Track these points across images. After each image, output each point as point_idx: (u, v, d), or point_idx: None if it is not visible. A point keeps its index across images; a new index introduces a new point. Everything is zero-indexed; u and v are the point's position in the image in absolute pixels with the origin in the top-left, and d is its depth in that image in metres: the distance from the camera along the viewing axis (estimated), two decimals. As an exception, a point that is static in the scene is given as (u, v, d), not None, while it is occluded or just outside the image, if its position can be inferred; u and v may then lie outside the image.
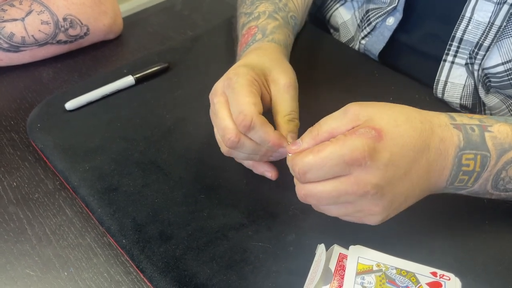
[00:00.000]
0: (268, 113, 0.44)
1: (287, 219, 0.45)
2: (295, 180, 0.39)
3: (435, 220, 0.45)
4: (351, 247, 0.40)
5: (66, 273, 0.43)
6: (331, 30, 0.72)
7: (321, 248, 0.41)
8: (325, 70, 0.63)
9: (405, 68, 0.63)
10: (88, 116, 0.55)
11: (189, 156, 0.51)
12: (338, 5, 0.69)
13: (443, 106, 0.59)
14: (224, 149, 0.44)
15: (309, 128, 0.39)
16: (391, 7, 0.60)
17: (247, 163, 0.47)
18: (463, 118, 0.40)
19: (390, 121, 0.37)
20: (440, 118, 0.39)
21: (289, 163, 0.39)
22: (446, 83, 0.58)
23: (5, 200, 0.49)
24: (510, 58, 0.53)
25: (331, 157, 0.35)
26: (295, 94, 0.44)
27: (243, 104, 0.40)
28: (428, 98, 0.59)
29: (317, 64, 0.64)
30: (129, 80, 0.58)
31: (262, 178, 0.48)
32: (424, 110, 0.40)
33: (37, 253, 0.45)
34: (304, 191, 0.38)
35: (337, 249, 0.41)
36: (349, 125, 0.37)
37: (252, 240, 0.43)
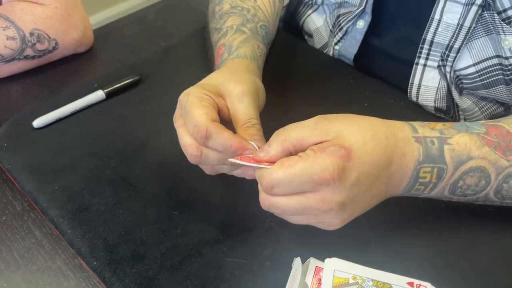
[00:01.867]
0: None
1: (263, 232, 0.44)
2: (259, 187, 0.39)
3: (410, 227, 0.45)
4: (327, 260, 0.39)
5: (35, 299, 0.42)
6: (306, 37, 0.72)
7: (297, 262, 0.40)
8: (300, 77, 0.62)
9: (379, 73, 0.63)
10: (57, 133, 0.54)
11: (162, 171, 0.49)
12: (310, 11, 0.68)
13: (418, 110, 0.59)
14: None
15: (276, 132, 0.39)
16: (359, 9, 0.59)
17: (236, 173, 0.46)
18: (424, 130, 0.40)
19: (358, 139, 0.37)
20: (403, 131, 0.40)
21: (256, 174, 0.39)
22: (420, 86, 0.58)
23: (-28, 224, 0.47)
24: (481, 59, 0.53)
25: (300, 174, 0.36)
26: (251, 101, 0.44)
27: (195, 117, 0.40)
28: (403, 102, 0.59)
29: (292, 71, 0.64)
30: (99, 94, 0.57)
31: (238, 191, 0.47)
32: (389, 120, 0.41)
33: (5, 279, 0.43)
34: (269, 202, 0.38)
35: (313, 262, 0.40)
36: (317, 138, 0.37)
37: (227, 256, 0.42)
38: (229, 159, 0.40)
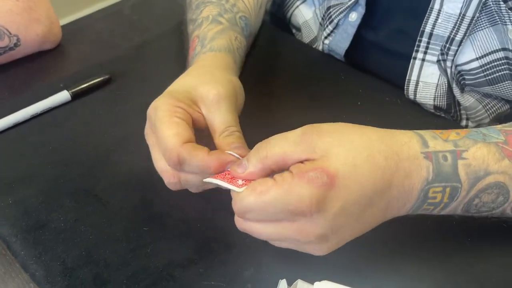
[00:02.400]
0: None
1: (244, 250, 0.39)
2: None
3: (409, 244, 0.40)
4: (317, 284, 0.34)
5: (-18, 332, 0.36)
6: (293, 31, 0.67)
7: (283, 284, 0.35)
8: (286, 74, 0.57)
9: (373, 68, 0.58)
10: (14, 140, 0.48)
11: (131, 182, 0.44)
12: (298, 2, 0.63)
13: (416, 108, 0.54)
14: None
15: (257, 145, 0.34)
16: (352, 1, 0.54)
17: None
18: (437, 143, 0.35)
19: (347, 161, 0.32)
20: (410, 147, 0.34)
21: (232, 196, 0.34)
22: (418, 83, 0.53)
23: None
24: (485, 53, 0.48)
25: (274, 203, 0.31)
26: (228, 106, 0.39)
27: (165, 140, 0.35)
28: (399, 101, 0.54)
29: (278, 67, 0.59)
30: (63, 95, 0.51)
31: (216, 204, 0.42)
32: (393, 132, 0.35)
33: None
34: (243, 226, 0.34)
35: (301, 285, 0.35)
36: (303, 155, 0.32)
37: (203, 279, 0.37)
38: (204, 180, 0.35)
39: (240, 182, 0.34)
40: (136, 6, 0.71)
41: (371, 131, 0.35)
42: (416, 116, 0.52)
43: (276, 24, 0.68)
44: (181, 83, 0.40)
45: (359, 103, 0.53)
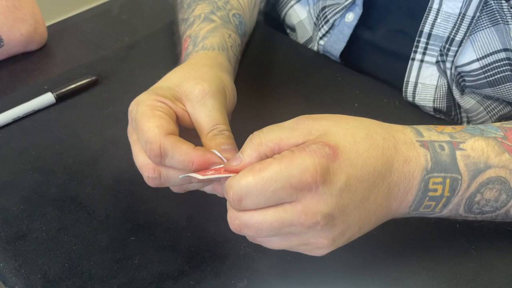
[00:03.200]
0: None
1: (238, 260, 0.37)
2: (228, 205, 0.32)
3: (413, 252, 0.38)
4: (315, 297, 0.32)
5: None
6: (288, 31, 0.65)
7: (279, 298, 0.33)
8: (282, 75, 0.56)
9: (370, 69, 0.57)
10: (-5, 144, 0.46)
11: (118, 188, 0.42)
12: (293, 2, 0.62)
13: (414, 110, 0.52)
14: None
15: (250, 135, 0.32)
16: (348, 1, 0.53)
17: (207, 190, 0.38)
18: (431, 134, 0.33)
19: (347, 137, 0.30)
20: (405, 134, 0.33)
21: (224, 186, 0.31)
22: (417, 85, 0.51)
23: None
24: (486, 54, 0.47)
25: (275, 179, 0.28)
26: (216, 103, 0.37)
27: (145, 132, 0.33)
28: (398, 103, 0.52)
29: (272, 68, 0.57)
30: (47, 98, 0.49)
31: (208, 211, 0.40)
32: (386, 123, 0.34)
33: None
34: (239, 221, 0.31)
35: (297, 299, 0.33)
36: (299, 139, 0.31)
37: (194, 292, 0.35)
38: (189, 174, 0.33)
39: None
40: (125, 6, 0.69)
41: (367, 118, 0.34)
42: (415, 119, 0.51)
43: (270, 24, 0.66)
44: (166, 80, 0.39)
45: (356, 104, 0.51)
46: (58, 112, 0.50)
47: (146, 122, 0.33)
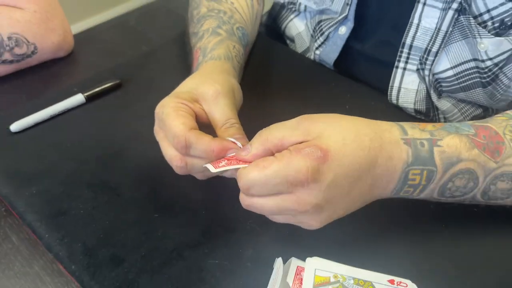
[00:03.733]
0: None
1: (245, 234, 0.44)
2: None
3: (393, 228, 0.45)
4: (308, 259, 0.39)
5: (12, 305, 0.41)
6: (287, 41, 0.73)
7: (278, 262, 0.40)
8: (282, 81, 0.63)
9: (360, 76, 0.64)
10: (35, 138, 0.53)
11: (142, 175, 0.49)
12: (292, 16, 0.69)
13: (398, 112, 0.60)
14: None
15: (259, 132, 0.39)
16: (342, 16, 0.60)
17: (227, 174, 0.45)
18: (415, 132, 0.40)
19: (338, 140, 0.37)
20: (391, 133, 0.39)
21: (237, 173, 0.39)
22: (400, 89, 0.58)
23: None
24: (458, 63, 0.54)
25: (275, 175, 0.36)
26: (227, 102, 0.44)
27: (173, 128, 0.40)
28: (384, 105, 0.60)
29: (274, 75, 0.64)
30: (79, 98, 0.56)
31: (219, 194, 0.47)
32: (377, 121, 0.40)
33: (-20, 286, 0.42)
34: (247, 202, 0.38)
35: (294, 262, 0.40)
36: (299, 138, 0.37)
37: (208, 258, 0.42)
38: (205, 165, 0.40)
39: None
40: (141, 18, 0.77)
41: (358, 118, 0.40)
42: (398, 119, 0.57)
43: (271, 35, 0.74)
44: (184, 85, 0.46)
45: (347, 106, 0.58)
46: (88, 110, 0.57)
47: (172, 120, 0.40)
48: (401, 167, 0.38)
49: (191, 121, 0.41)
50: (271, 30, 0.74)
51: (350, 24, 0.60)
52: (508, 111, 0.45)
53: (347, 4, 0.59)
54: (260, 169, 0.36)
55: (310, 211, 0.37)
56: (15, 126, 0.53)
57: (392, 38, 0.59)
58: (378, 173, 0.38)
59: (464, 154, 0.39)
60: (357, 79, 0.63)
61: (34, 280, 0.42)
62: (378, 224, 0.45)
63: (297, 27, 0.69)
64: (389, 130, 0.39)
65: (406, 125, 0.40)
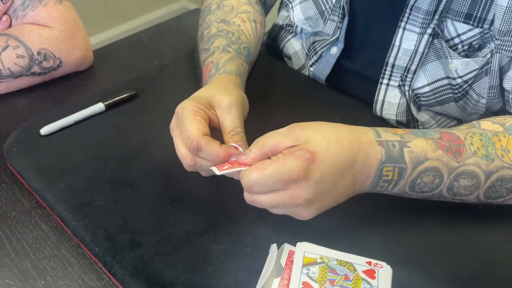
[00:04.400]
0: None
1: (245, 224, 0.51)
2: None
3: (372, 219, 0.52)
4: (298, 244, 0.46)
5: (43, 282, 0.47)
6: (285, 59, 0.80)
7: (273, 247, 0.47)
8: (279, 94, 0.70)
9: (349, 90, 0.71)
10: (62, 140, 0.60)
11: (156, 173, 0.56)
12: (289, 36, 0.77)
13: (382, 123, 0.67)
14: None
15: (256, 139, 0.46)
16: (333, 38, 0.68)
17: (231, 175, 0.51)
18: (387, 135, 0.46)
19: (323, 143, 0.43)
20: (367, 136, 0.46)
21: (240, 175, 0.46)
22: (383, 103, 0.66)
23: (-16, 219, 0.53)
24: (434, 80, 0.62)
25: (272, 175, 0.43)
26: (237, 112, 0.51)
27: (189, 131, 0.47)
28: (369, 116, 0.67)
29: (272, 88, 0.71)
30: (99, 106, 0.63)
31: (222, 190, 0.54)
32: (356, 126, 0.47)
33: (15, 265, 0.49)
34: (250, 198, 0.46)
35: (287, 247, 0.47)
36: (290, 143, 0.44)
37: (213, 244, 0.49)
38: (211, 168, 0.47)
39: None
40: (153, 36, 0.85)
41: (340, 125, 0.46)
42: None
43: (271, 53, 0.81)
44: (203, 92, 0.52)
45: (337, 117, 0.65)
46: (107, 118, 0.64)
47: (190, 124, 0.47)
48: (376, 164, 0.45)
49: (205, 127, 0.48)
50: (270, 49, 0.82)
51: (341, 45, 0.68)
52: (473, 121, 0.51)
53: (338, 27, 0.67)
54: (260, 171, 0.43)
55: (302, 204, 0.44)
56: (44, 130, 0.60)
57: (377, 58, 0.66)
58: (358, 170, 0.45)
59: (430, 154, 0.45)
60: (346, 93, 0.70)
61: (61, 261, 0.49)
62: (360, 216, 0.51)
63: (293, 46, 0.76)
64: (365, 134, 0.46)
65: (380, 129, 0.47)
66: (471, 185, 0.47)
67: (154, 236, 0.49)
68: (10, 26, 0.70)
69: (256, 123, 0.58)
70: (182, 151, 0.48)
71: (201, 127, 0.47)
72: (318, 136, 0.44)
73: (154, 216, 0.51)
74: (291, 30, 0.76)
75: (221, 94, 0.51)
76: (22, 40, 0.66)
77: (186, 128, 0.47)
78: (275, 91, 0.71)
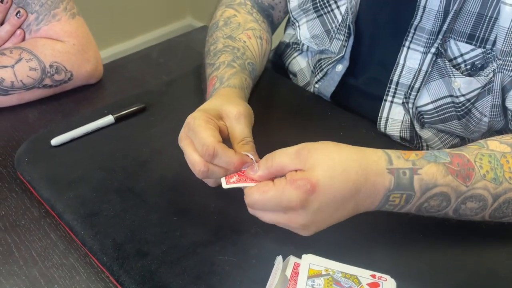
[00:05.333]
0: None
1: (250, 236, 0.51)
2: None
3: (377, 232, 0.52)
4: (304, 256, 0.46)
5: (51, 290, 0.48)
6: (291, 76, 0.82)
7: (279, 259, 0.47)
8: (285, 110, 0.71)
9: (354, 107, 0.72)
10: (71, 151, 0.61)
11: (163, 184, 0.57)
12: (295, 54, 0.79)
13: (385, 139, 0.68)
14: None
15: (266, 156, 0.47)
16: (339, 56, 0.69)
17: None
18: (399, 162, 0.45)
19: (327, 173, 0.43)
20: (378, 164, 0.45)
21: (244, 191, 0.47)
22: (388, 119, 0.67)
23: (-6, 227, 0.54)
24: (437, 98, 0.63)
25: (271, 200, 0.44)
26: (246, 122, 0.52)
27: (204, 138, 0.48)
28: (373, 133, 0.68)
29: (278, 104, 0.73)
30: (109, 119, 0.65)
31: (228, 202, 0.55)
32: (367, 152, 0.46)
33: (24, 273, 0.49)
34: (252, 212, 0.47)
35: (292, 259, 0.47)
36: (297, 166, 0.45)
37: (219, 255, 0.49)
38: (224, 187, 0.48)
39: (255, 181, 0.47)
40: (162, 52, 0.87)
41: (348, 150, 0.45)
42: (385, 145, 0.65)
43: (276, 70, 0.83)
44: (210, 104, 0.54)
45: (341, 133, 0.67)
46: (116, 130, 0.65)
47: (204, 131, 0.48)
48: (383, 192, 0.45)
49: (218, 135, 0.49)
50: (276, 66, 0.84)
51: (346, 63, 0.70)
52: (480, 141, 0.52)
53: (344, 46, 0.69)
54: (261, 193, 0.45)
55: (299, 228, 0.46)
56: (55, 141, 0.61)
57: (381, 76, 0.67)
58: (361, 197, 0.45)
59: (439, 180, 0.46)
60: (351, 110, 0.72)
61: (69, 270, 0.50)
62: (365, 229, 0.52)
63: (299, 63, 0.78)
64: (376, 162, 0.45)
65: (393, 154, 0.46)
66: (478, 207, 0.48)
67: (161, 246, 0.50)
68: (23, 39, 0.72)
69: (262, 138, 0.59)
70: (195, 157, 0.49)
71: (215, 134, 0.48)
72: (324, 165, 0.44)
73: (161, 227, 0.52)
74: (297, 48, 0.77)
75: (229, 104, 0.52)
76: (35, 53, 0.68)
77: (201, 136, 0.48)
78: (280, 107, 0.72)
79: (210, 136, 0.48)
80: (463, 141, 0.69)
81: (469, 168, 0.47)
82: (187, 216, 0.53)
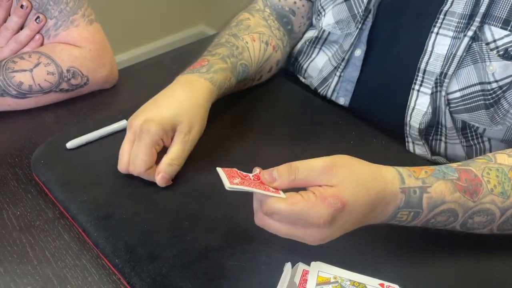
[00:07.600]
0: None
1: (260, 243, 0.52)
2: (255, 207, 0.48)
3: (386, 241, 0.53)
4: (313, 263, 0.47)
5: (63, 290, 0.49)
6: (305, 75, 0.81)
7: (288, 266, 0.48)
8: (296, 118, 0.72)
9: (372, 116, 0.72)
10: (86, 154, 0.62)
11: (174, 189, 0.58)
12: (313, 55, 0.78)
13: (394, 149, 0.68)
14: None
15: (287, 166, 0.46)
16: (354, 38, 0.69)
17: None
18: (410, 180, 0.47)
19: (353, 194, 0.44)
20: (393, 184, 0.46)
21: (258, 196, 0.47)
22: (414, 109, 0.66)
23: (10, 227, 0.55)
24: (466, 86, 0.62)
25: (299, 213, 0.44)
26: (188, 146, 0.58)
27: (139, 159, 0.56)
28: (383, 142, 0.68)
29: (290, 112, 0.73)
30: (123, 123, 0.66)
31: (238, 209, 0.55)
32: (384, 171, 0.47)
33: (37, 273, 0.50)
34: (263, 222, 0.47)
35: (301, 266, 0.48)
36: (323, 182, 0.45)
37: (229, 260, 0.50)
38: (219, 173, 0.47)
39: (271, 189, 0.46)
40: (174, 58, 0.88)
41: (369, 170, 0.46)
42: (393, 155, 0.66)
43: (287, 77, 0.83)
44: (170, 110, 0.58)
45: (352, 142, 0.67)
46: (130, 134, 0.66)
47: (143, 155, 0.55)
48: (393, 209, 0.46)
49: (151, 161, 0.56)
50: (286, 72, 0.84)
51: (363, 46, 0.69)
52: (489, 154, 0.52)
53: (360, 28, 0.69)
54: (288, 204, 0.44)
55: (316, 242, 0.46)
56: (70, 144, 0.62)
57: (404, 62, 0.66)
58: (374, 215, 0.46)
59: (447, 197, 0.46)
60: (369, 118, 0.71)
61: (82, 271, 0.51)
62: (373, 238, 0.52)
63: (318, 64, 0.77)
64: (391, 182, 0.46)
65: (404, 172, 0.47)
66: (486, 221, 0.48)
67: (172, 249, 0.51)
68: (42, 44, 0.73)
69: (271, 147, 0.61)
70: (125, 159, 0.57)
71: (148, 161, 0.56)
72: (349, 186, 0.44)
73: (173, 231, 0.53)
74: (316, 46, 0.77)
75: (186, 118, 0.57)
76: (53, 58, 0.70)
77: (138, 157, 0.56)
78: (291, 115, 0.73)
79: (143, 162, 0.55)
80: (482, 138, 0.67)
81: (477, 183, 0.48)
82: (199, 221, 0.54)
